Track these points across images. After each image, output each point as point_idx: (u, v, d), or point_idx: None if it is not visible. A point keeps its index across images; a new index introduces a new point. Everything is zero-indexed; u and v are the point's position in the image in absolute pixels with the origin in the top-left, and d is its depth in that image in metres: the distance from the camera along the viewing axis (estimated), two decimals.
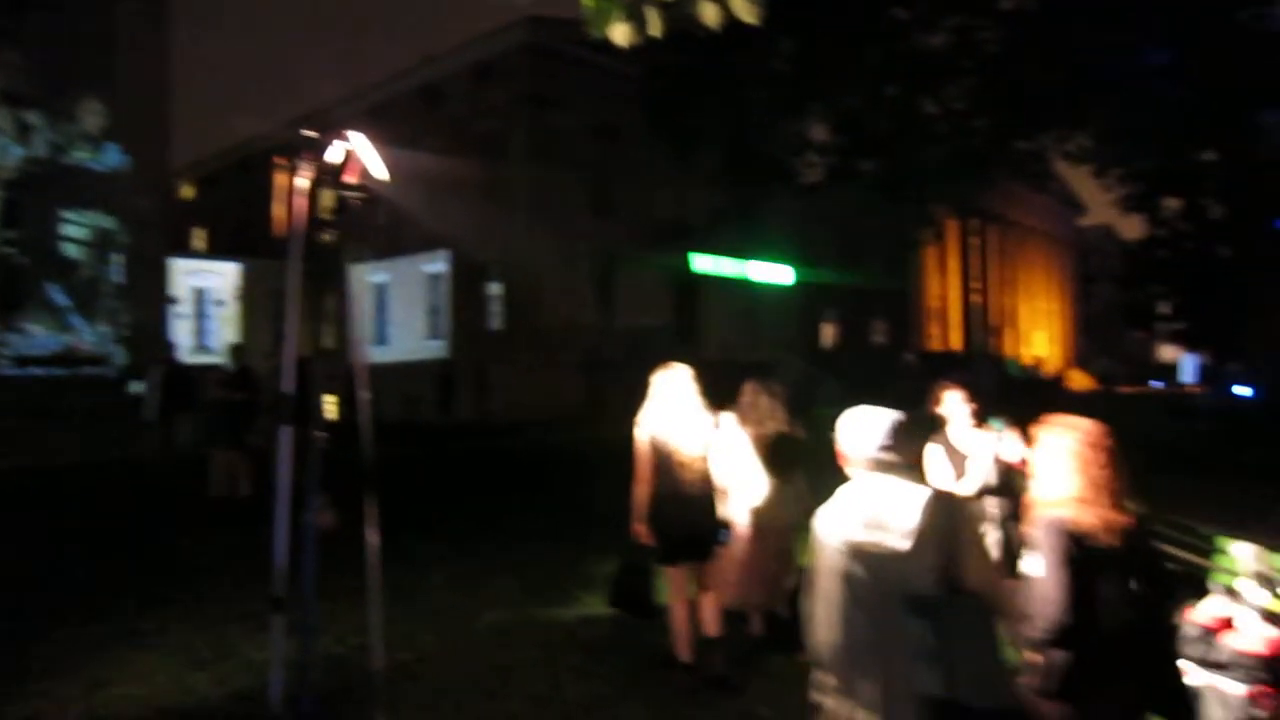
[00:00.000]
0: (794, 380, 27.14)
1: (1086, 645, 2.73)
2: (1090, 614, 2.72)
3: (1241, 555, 3.68)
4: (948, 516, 2.65)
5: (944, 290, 44.57)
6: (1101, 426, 2.90)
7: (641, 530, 4.79)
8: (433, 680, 4.99)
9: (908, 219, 20.21)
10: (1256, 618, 3.36)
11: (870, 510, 2.68)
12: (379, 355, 31.57)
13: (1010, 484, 4.32)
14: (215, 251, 33.59)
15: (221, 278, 30.26)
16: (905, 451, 2.75)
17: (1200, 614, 3.60)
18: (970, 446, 4.55)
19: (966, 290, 45.07)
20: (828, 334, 42.16)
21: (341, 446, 3.60)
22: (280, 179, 3.06)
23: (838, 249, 37.87)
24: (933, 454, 4.56)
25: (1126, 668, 2.77)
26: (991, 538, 4.24)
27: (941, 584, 2.56)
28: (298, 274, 3.03)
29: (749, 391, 5.56)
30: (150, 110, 19.21)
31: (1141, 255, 35.78)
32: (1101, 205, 58.68)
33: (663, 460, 4.72)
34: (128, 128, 18.32)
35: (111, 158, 18.29)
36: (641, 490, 4.78)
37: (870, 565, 2.63)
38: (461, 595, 6.66)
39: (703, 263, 29.91)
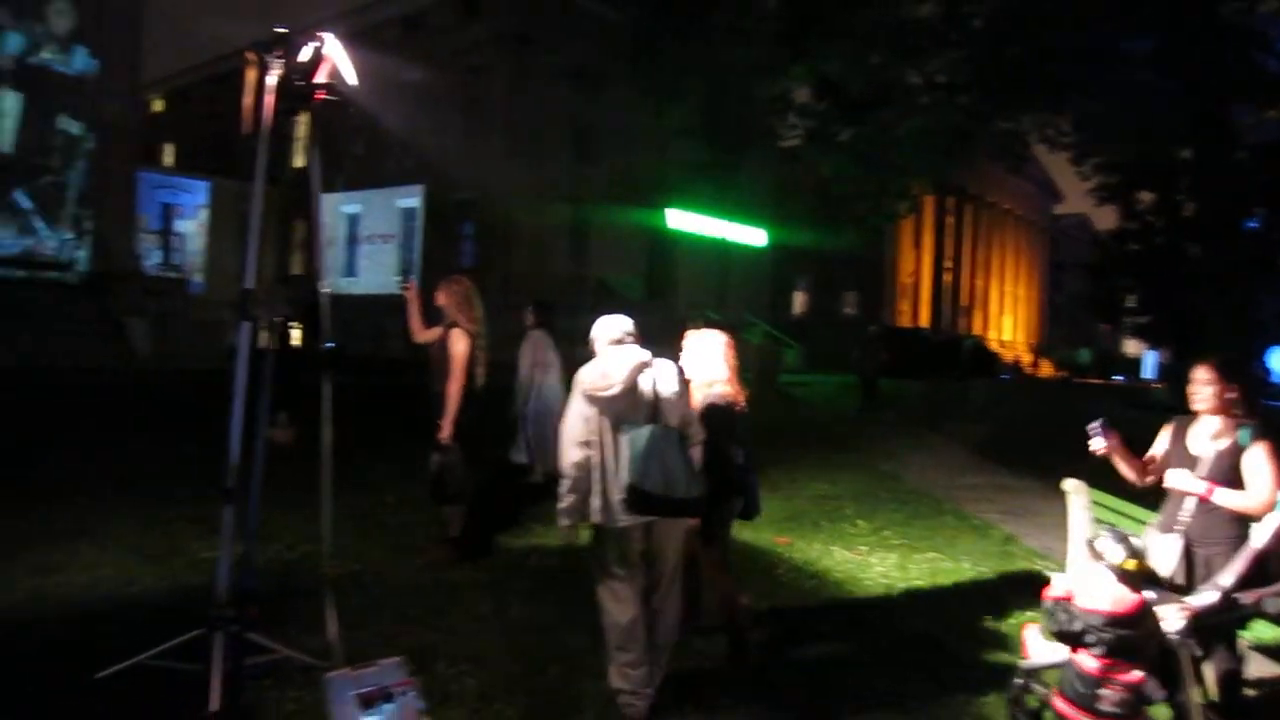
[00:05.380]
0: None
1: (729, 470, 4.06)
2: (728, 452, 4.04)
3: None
4: (655, 373, 3.70)
5: (917, 266, 44.69)
6: (728, 332, 4.38)
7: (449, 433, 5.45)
8: (378, 592, 5.08)
9: (885, 190, 20.14)
10: (1111, 577, 3.30)
11: (604, 368, 3.64)
12: (348, 287, 31.30)
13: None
14: (185, 168, 32.84)
15: (191, 196, 29.67)
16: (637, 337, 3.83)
17: (1054, 588, 3.63)
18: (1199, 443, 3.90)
19: (939, 268, 45.20)
20: (798, 301, 42.41)
21: (306, 372, 3.64)
22: (249, 74, 3.05)
23: (814, 216, 37.87)
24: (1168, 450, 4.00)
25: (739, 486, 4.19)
26: None
27: (649, 417, 3.61)
28: (264, 165, 3.04)
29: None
30: (120, 13, 18.66)
31: (1112, 247, 36.07)
32: (1078, 194, 58.98)
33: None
34: (97, 30, 17.83)
35: (80, 61, 17.82)
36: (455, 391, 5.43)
37: (599, 402, 3.60)
38: (414, 517, 6.73)
39: (678, 219, 29.81)
